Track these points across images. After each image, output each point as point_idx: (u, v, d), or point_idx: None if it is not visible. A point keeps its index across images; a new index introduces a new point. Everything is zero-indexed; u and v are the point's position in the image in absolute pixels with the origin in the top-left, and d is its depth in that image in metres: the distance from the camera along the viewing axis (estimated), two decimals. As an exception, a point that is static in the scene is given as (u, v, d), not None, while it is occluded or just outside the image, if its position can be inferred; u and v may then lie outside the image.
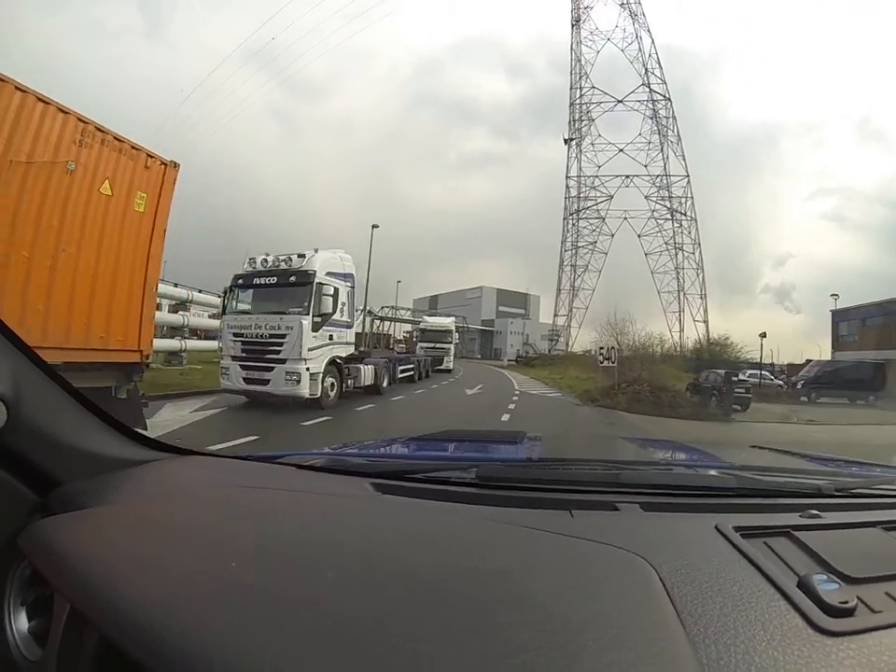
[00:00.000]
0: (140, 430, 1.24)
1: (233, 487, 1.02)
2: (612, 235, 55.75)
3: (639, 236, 56.58)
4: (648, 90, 54.85)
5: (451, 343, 30.44)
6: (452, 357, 30.27)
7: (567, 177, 56.46)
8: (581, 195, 55.90)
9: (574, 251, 55.44)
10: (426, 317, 34.71)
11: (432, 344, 29.88)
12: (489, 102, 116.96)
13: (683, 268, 54.44)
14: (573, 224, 55.80)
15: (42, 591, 0.76)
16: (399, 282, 53.63)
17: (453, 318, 34.52)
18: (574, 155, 56.54)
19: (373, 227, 32.84)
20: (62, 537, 0.76)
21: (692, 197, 55.09)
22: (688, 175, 55.27)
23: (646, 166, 55.59)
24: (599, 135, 56.09)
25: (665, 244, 54.42)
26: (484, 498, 0.91)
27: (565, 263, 55.64)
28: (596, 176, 55.72)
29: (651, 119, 55.22)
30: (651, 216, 54.59)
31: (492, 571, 0.63)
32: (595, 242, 55.13)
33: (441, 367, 28.79)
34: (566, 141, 57.13)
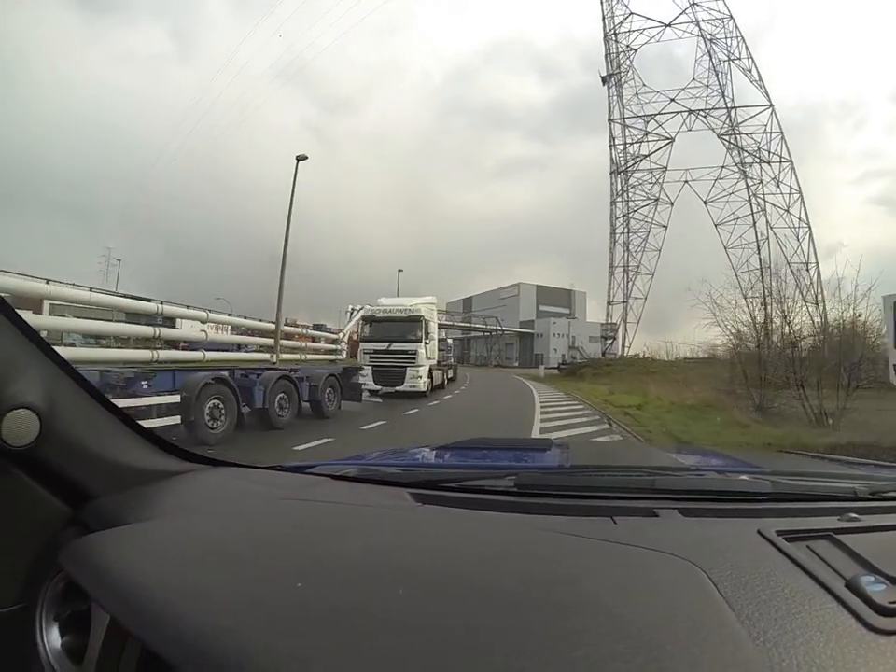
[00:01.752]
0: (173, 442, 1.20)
1: (273, 499, 1.00)
2: (671, 203, 40.49)
3: (706, 202, 41.27)
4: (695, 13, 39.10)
5: (420, 340, 15.84)
6: (424, 369, 15.80)
7: (609, 121, 41.32)
8: (629, 141, 40.52)
9: (625, 219, 39.94)
10: (381, 300, 18.12)
11: (385, 345, 15.68)
12: (521, 105, 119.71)
13: (767, 232, 38.09)
14: (622, 186, 40.34)
15: (77, 606, 0.74)
16: (400, 271, 40.16)
17: (431, 298, 18.85)
18: (615, 93, 41.41)
19: (298, 158, 19.50)
20: (105, 553, 0.73)
21: (781, 132, 38.62)
22: (771, 105, 38.92)
23: (706, 114, 39.93)
24: (644, 84, 41.25)
25: (752, 196, 38.25)
26: (525, 507, 0.90)
27: (616, 232, 40.04)
28: (647, 116, 40.32)
29: (708, 44, 39.31)
30: (732, 159, 38.62)
31: (553, 578, 0.62)
32: (657, 200, 39.40)
33: (403, 387, 14.99)
34: (603, 80, 42.35)
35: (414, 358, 15.60)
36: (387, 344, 15.76)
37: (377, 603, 0.57)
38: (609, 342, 38.48)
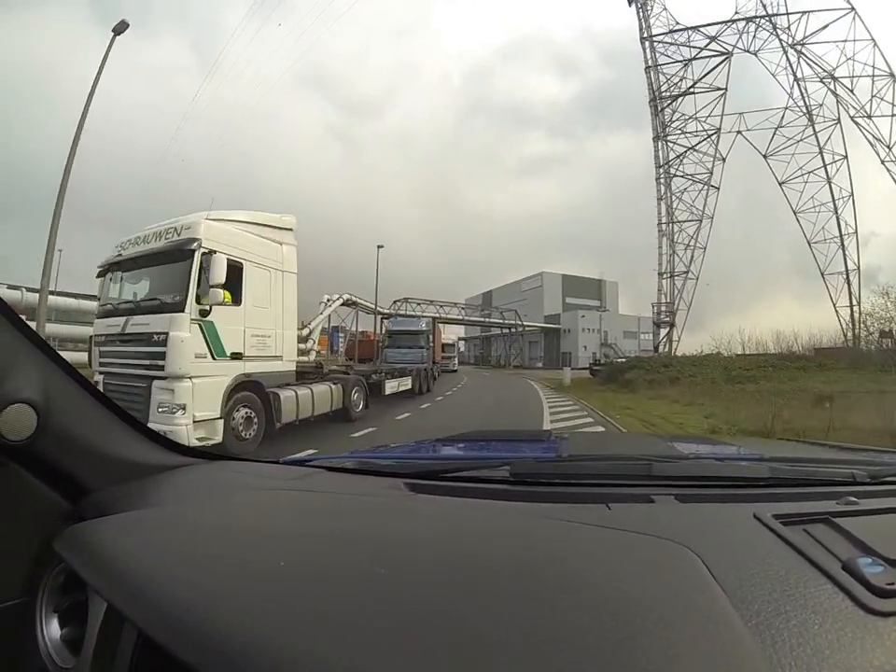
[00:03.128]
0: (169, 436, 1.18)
1: (266, 489, 1.00)
2: (723, 159, 29.56)
3: (765, 156, 30.43)
4: None
5: (181, 306, 5.27)
6: (203, 386, 5.26)
7: (641, 40, 30.35)
8: (671, 61, 29.55)
9: (665, 169, 28.94)
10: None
11: (120, 322, 5.61)
12: (543, 103, 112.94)
13: (851, 187, 27.65)
14: (662, 121, 29.37)
15: (76, 597, 0.73)
16: (380, 247, 30.70)
17: (287, 219, 7.49)
18: (645, 8, 30.48)
19: (115, 31, 10.75)
20: (101, 538, 0.73)
21: (872, 38, 27.06)
22: (853, 9, 27.32)
23: (756, 52, 29.01)
24: (677, 22, 30.35)
25: (841, 129, 27.13)
26: (519, 495, 0.88)
27: (660, 179, 28.90)
28: (692, 28, 29.30)
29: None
30: (795, 101, 27.74)
31: (541, 560, 0.62)
32: (717, 131, 28.42)
33: (158, 419, 4.94)
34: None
35: (163, 355, 5.27)
36: (124, 320, 5.85)
37: (359, 583, 0.57)
38: (666, 330, 26.75)
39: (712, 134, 28.53)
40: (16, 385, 0.76)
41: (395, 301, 45.04)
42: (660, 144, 29.37)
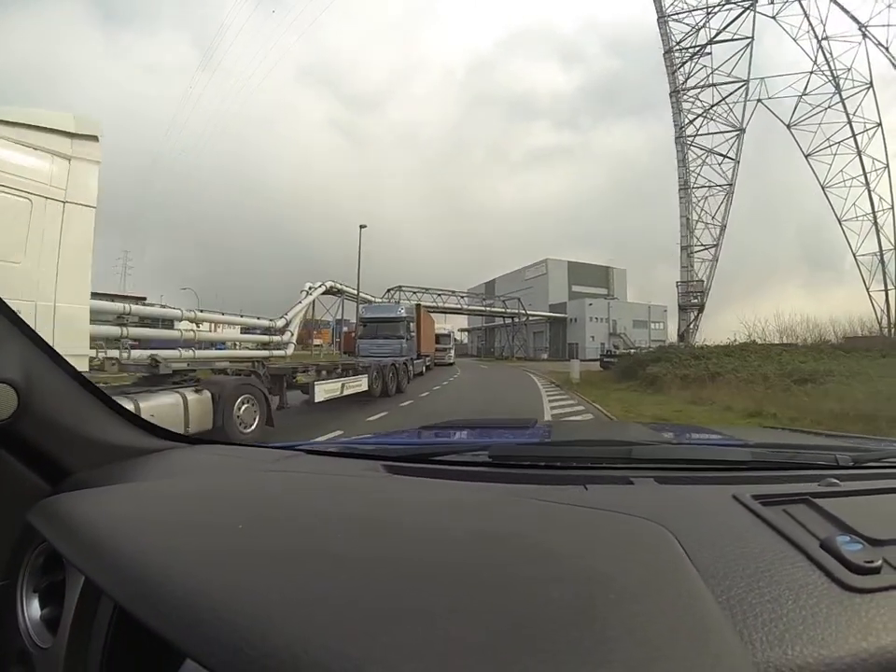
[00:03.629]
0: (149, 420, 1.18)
1: (249, 471, 1.01)
2: (743, 130, 26.07)
3: (789, 126, 27.43)
4: None
5: None
6: None
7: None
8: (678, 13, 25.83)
9: (681, 131, 25.31)
10: None
11: None
12: (547, 94, 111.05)
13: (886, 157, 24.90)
14: (674, 78, 25.72)
15: (55, 577, 0.73)
16: (363, 227, 27.18)
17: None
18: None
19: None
20: (77, 510, 0.73)
21: None
22: None
23: (775, 16, 25.42)
24: None
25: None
26: (497, 476, 0.89)
27: (679, 140, 25.36)
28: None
29: None
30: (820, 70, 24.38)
31: (510, 534, 0.63)
32: (745, 83, 24.75)
33: None
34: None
35: None
36: None
37: (337, 562, 0.57)
38: (694, 315, 22.72)
39: (738, 88, 24.81)
40: None
41: (388, 290, 41.65)
42: (678, 100, 25.69)
